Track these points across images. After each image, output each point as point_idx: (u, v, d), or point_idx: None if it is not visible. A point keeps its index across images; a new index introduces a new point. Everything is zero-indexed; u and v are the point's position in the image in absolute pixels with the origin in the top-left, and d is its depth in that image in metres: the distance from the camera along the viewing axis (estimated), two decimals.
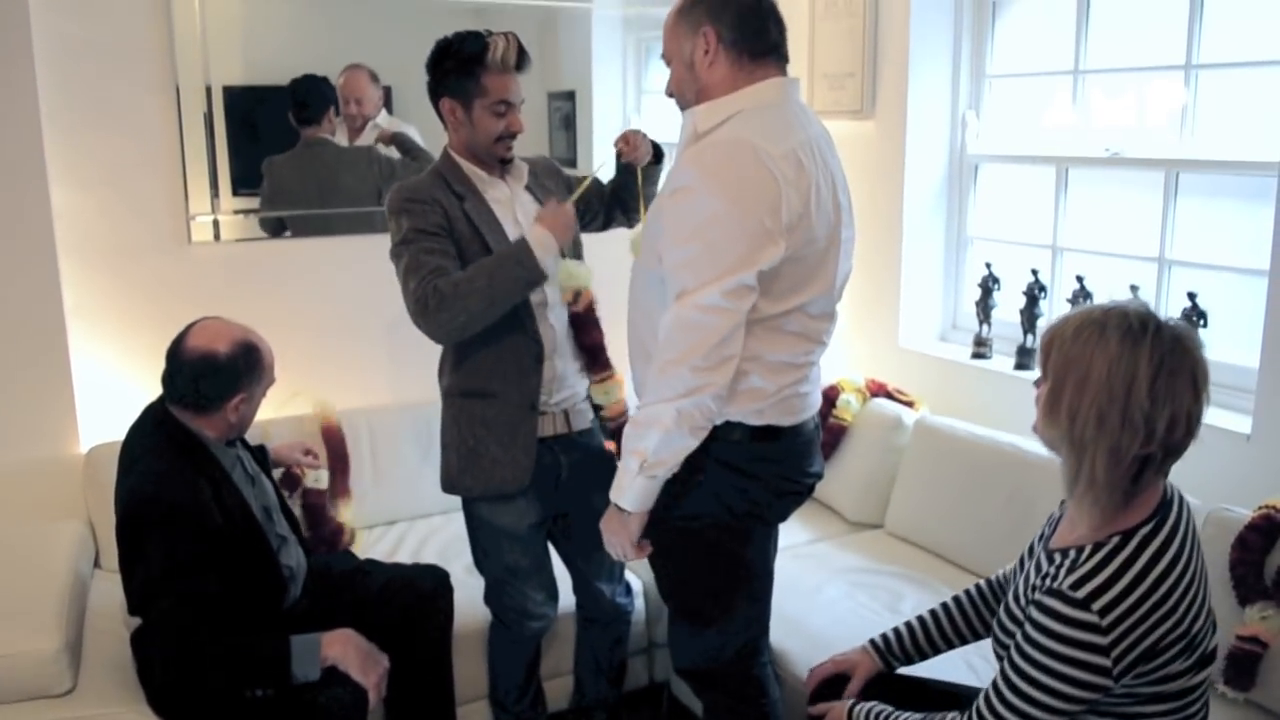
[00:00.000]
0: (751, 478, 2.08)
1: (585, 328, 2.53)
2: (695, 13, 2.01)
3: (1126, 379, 1.57)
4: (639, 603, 2.95)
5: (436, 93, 2.40)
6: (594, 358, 2.55)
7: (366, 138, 3.42)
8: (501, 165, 2.46)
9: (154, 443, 2.31)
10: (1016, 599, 1.78)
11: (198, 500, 2.21)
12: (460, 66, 2.34)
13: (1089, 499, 1.63)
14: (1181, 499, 1.71)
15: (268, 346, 2.39)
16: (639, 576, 2.98)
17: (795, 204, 1.90)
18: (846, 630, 2.66)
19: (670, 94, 2.14)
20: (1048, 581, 1.66)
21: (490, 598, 2.63)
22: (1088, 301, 3.10)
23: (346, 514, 3.17)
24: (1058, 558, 1.70)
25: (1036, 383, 1.72)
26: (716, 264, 1.87)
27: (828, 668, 2.20)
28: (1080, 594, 1.59)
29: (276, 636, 2.26)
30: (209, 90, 3.16)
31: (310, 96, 3.32)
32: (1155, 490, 1.67)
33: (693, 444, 1.96)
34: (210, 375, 2.27)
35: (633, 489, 1.99)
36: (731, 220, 1.87)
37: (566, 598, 2.73)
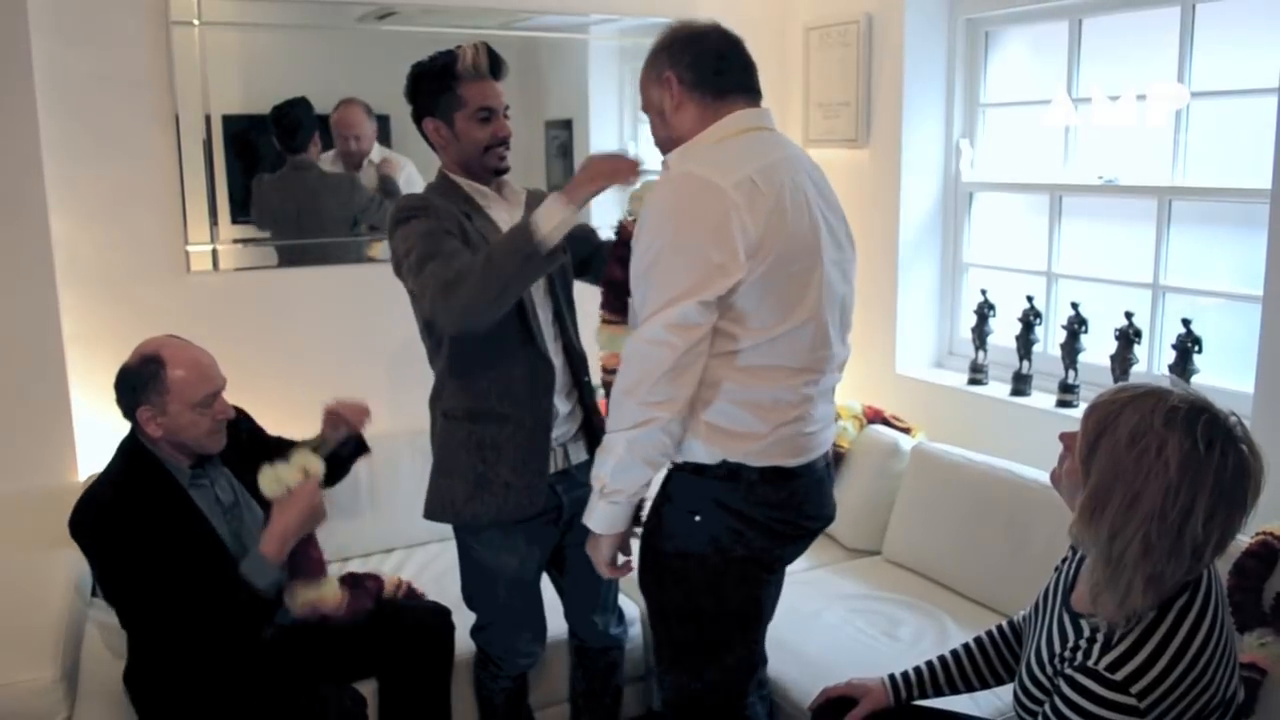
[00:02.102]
0: (750, 521, 2.05)
1: (615, 259, 2.20)
2: (659, 60, 2.06)
3: (1182, 511, 1.50)
4: (634, 630, 2.93)
5: (418, 117, 2.37)
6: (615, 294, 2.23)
7: (366, 174, 3.45)
8: (497, 180, 2.41)
9: (110, 463, 2.38)
10: (1040, 663, 1.73)
11: (129, 521, 2.23)
12: (434, 83, 2.31)
13: (1120, 613, 1.57)
14: None
15: (190, 359, 2.33)
16: (636, 604, 2.98)
17: (751, 229, 1.88)
18: (844, 656, 2.66)
19: (658, 144, 2.14)
20: (1079, 655, 1.62)
21: (478, 634, 2.60)
22: (1082, 328, 3.11)
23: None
24: (1086, 628, 1.65)
25: (1064, 439, 1.66)
26: (661, 297, 1.88)
27: (841, 689, 2.18)
28: (1118, 676, 1.54)
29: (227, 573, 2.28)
30: (208, 119, 3.17)
31: (298, 122, 3.33)
32: None
33: (649, 474, 1.97)
34: (118, 386, 2.33)
35: (596, 512, 2.02)
36: (674, 254, 1.88)
37: (559, 625, 2.71)
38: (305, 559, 2.39)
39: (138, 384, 2.30)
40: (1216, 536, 1.52)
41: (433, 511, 2.47)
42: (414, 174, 3.48)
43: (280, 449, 2.50)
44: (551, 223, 2.07)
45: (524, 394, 2.35)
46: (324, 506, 2.38)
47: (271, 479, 2.34)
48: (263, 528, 2.37)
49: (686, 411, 1.95)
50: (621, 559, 2.12)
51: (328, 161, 3.42)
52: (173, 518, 2.29)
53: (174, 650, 2.29)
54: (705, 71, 2.02)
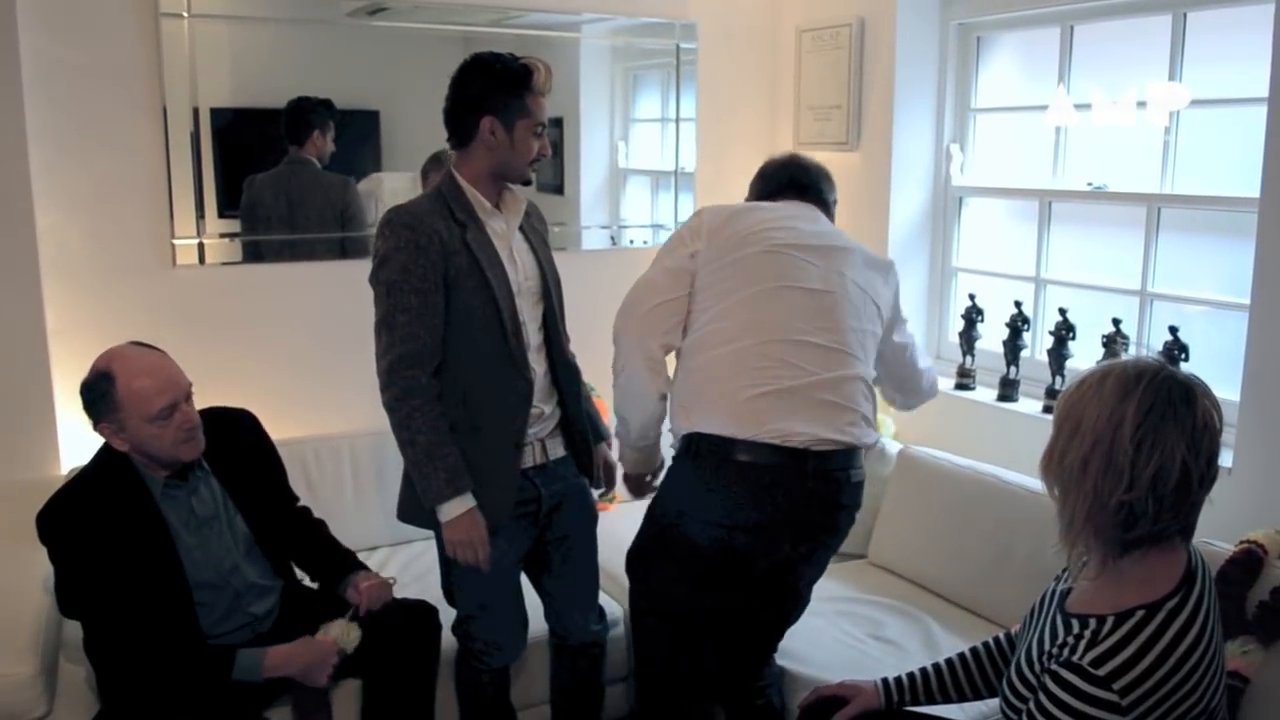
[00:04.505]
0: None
1: None
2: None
3: (1113, 424, 1.57)
4: (617, 631, 2.92)
5: (476, 110, 2.34)
6: None
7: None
8: (500, 198, 2.43)
9: (90, 461, 2.37)
10: (1029, 661, 1.74)
11: (87, 531, 2.22)
12: (506, 86, 2.32)
13: (1076, 545, 1.62)
14: (1204, 566, 1.68)
15: (143, 370, 2.28)
16: (619, 604, 2.97)
17: (705, 228, 2.39)
18: (829, 657, 2.67)
19: None
20: (1065, 652, 1.62)
21: (459, 630, 2.59)
22: (1070, 335, 3.12)
23: None
24: (1076, 625, 1.66)
25: None
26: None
27: (833, 688, 2.18)
28: (1101, 671, 1.55)
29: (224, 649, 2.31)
30: (196, 112, 3.15)
31: (302, 118, 3.34)
32: (1178, 557, 1.64)
33: (636, 410, 2.41)
34: (81, 398, 2.30)
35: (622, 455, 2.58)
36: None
37: (539, 624, 2.71)
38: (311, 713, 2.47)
39: (91, 401, 2.28)
40: (1153, 458, 1.54)
41: (403, 512, 2.52)
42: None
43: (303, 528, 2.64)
44: (445, 518, 2.35)
45: (499, 410, 2.40)
46: (323, 673, 2.36)
47: (337, 632, 2.41)
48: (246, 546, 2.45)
49: (659, 363, 2.38)
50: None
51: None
52: (132, 532, 2.26)
53: (117, 666, 2.27)
54: (758, 190, 2.60)
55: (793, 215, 2.43)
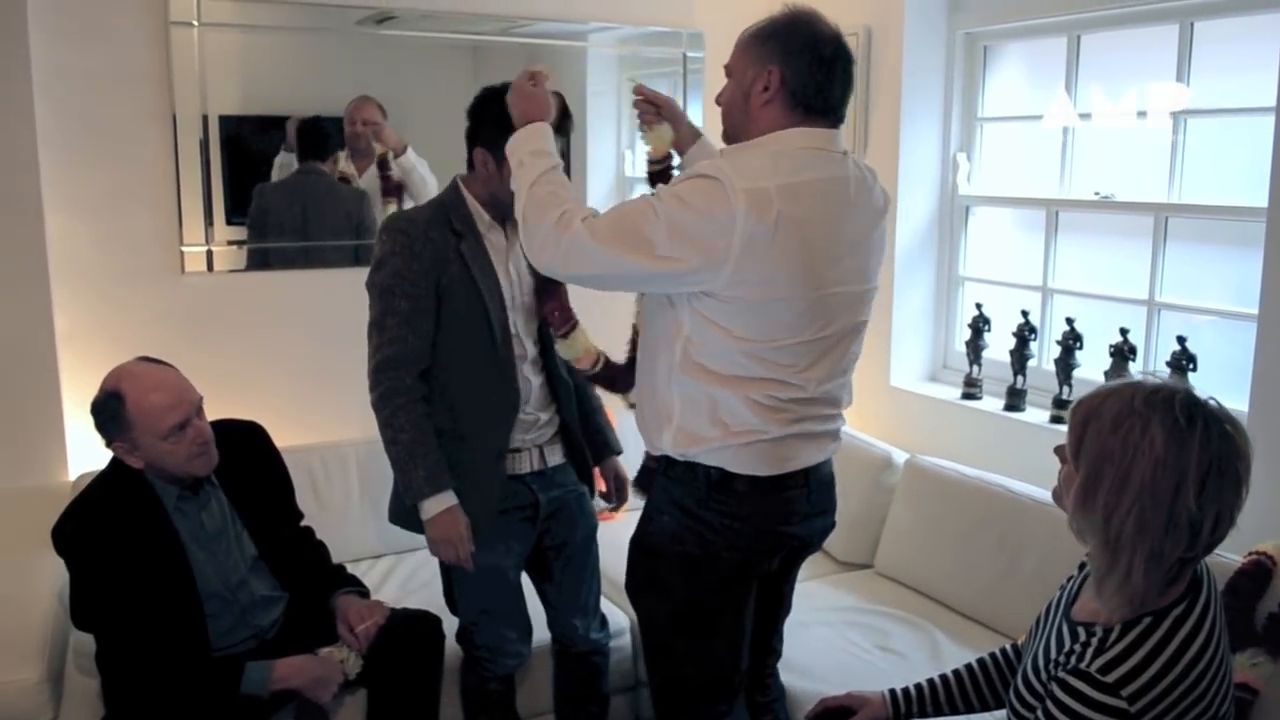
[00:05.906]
0: (706, 524, 2.08)
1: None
2: (768, 47, 1.95)
3: (1173, 482, 1.51)
4: (623, 640, 2.92)
5: (472, 140, 2.36)
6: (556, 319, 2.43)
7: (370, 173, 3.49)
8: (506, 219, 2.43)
9: (103, 470, 2.37)
10: (1036, 670, 1.73)
11: (101, 544, 2.22)
12: (500, 120, 2.23)
13: (1122, 596, 1.58)
14: (1209, 574, 1.67)
15: (153, 386, 2.27)
16: (625, 613, 2.96)
17: (740, 233, 1.83)
18: (836, 667, 2.67)
19: (719, 103, 2.07)
20: (1073, 660, 1.61)
21: (463, 637, 2.60)
22: (1077, 344, 3.11)
23: None
24: (1082, 633, 1.65)
25: (1059, 452, 1.67)
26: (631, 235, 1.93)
27: (840, 699, 2.17)
28: (1110, 679, 1.54)
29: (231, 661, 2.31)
30: (205, 119, 3.17)
31: (326, 135, 3.38)
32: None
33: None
34: (92, 418, 2.30)
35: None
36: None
37: (542, 633, 2.71)
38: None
39: (102, 421, 2.28)
40: (1213, 511, 1.53)
41: (391, 514, 2.53)
42: (427, 175, 3.50)
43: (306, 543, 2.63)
44: (426, 515, 2.34)
45: (484, 419, 2.41)
46: (329, 690, 2.39)
47: (341, 655, 2.45)
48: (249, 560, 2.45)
49: None
50: None
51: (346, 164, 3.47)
52: (146, 545, 2.26)
53: (128, 677, 2.27)
54: (809, 85, 1.94)
55: (825, 198, 1.93)
